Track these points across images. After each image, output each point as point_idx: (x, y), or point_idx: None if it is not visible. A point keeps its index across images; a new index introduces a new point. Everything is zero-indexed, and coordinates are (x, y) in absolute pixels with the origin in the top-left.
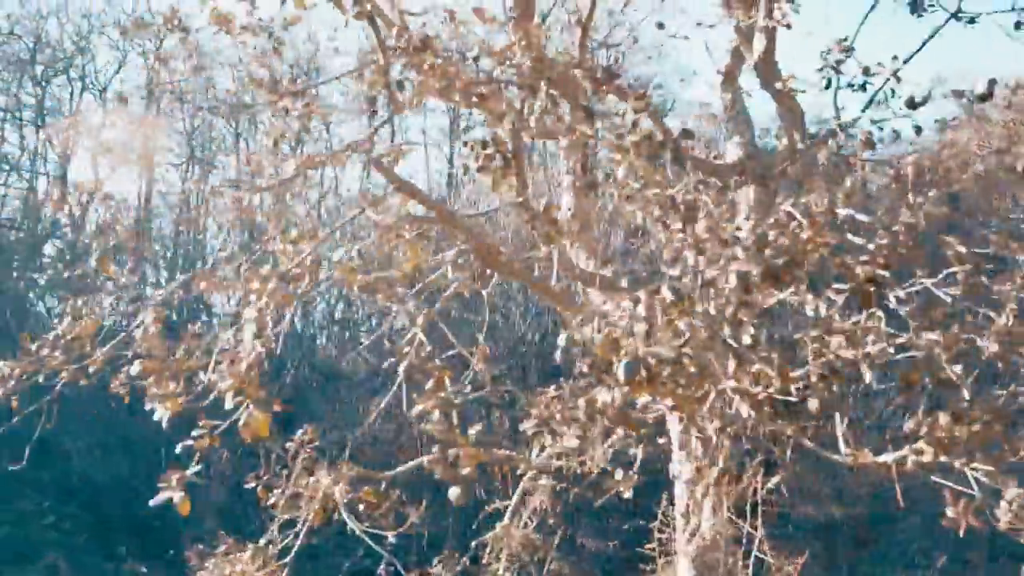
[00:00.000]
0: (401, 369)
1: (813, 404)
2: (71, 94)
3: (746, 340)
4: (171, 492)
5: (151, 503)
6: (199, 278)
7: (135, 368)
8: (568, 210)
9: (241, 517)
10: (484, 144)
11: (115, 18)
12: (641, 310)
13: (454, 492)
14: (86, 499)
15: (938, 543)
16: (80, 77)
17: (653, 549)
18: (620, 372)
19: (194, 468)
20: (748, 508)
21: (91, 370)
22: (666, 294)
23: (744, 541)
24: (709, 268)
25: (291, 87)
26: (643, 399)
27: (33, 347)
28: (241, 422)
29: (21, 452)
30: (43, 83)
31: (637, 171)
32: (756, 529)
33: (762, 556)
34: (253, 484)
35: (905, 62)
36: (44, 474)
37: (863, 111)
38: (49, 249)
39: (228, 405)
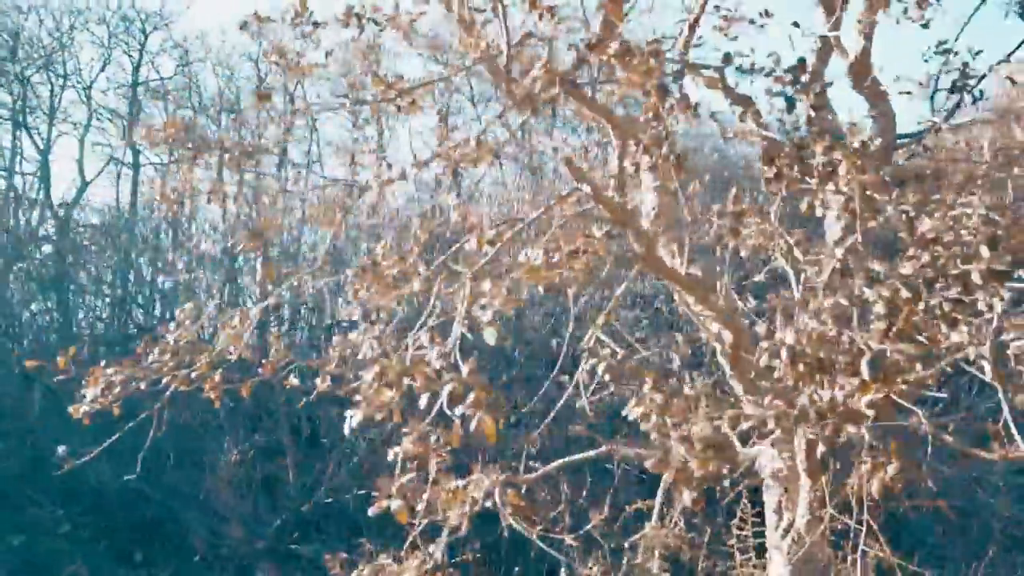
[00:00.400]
0: (601, 369)
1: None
2: (51, 91)
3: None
4: (388, 501)
5: (371, 511)
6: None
7: (368, 375)
8: (652, 209)
9: (250, 519)
10: (659, 140)
11: (100, 15)
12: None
13: (687, 496)
14: (95, 505)
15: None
16: (63, 75)
17: (732, 546)
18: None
19: (409, 475)
20: (855, 503)
21: (193, 375)
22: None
23: (851, 536)
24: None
25: (398, 82)
26: None
27: (155, 352)
28: (472, 426)
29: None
30: (24, 80)
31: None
32: (862, 524)
33: (869, 551)
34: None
35: (1001, 62)
36: (55, 481)
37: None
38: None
39: (458, 411)
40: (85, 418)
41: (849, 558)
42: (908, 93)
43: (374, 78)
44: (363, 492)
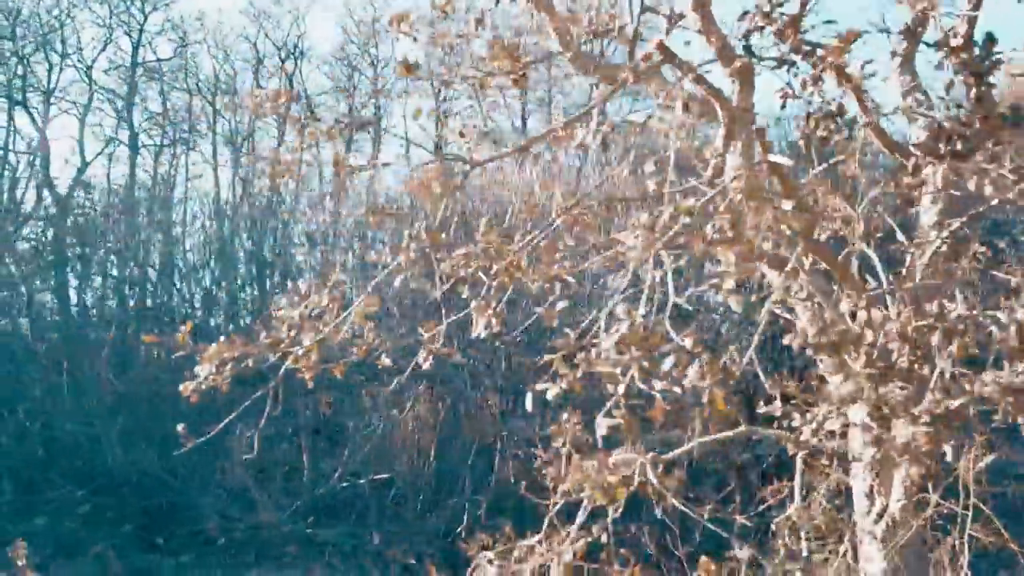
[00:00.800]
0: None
1: None
2: (49, 70)
3: None
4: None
5: (560, 490)
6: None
7: (607, 343)
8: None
9: (258, 503)
10: (832, 114)
11: None
12: None
13: (915, 471)
14: (110, 488)
15: None
16: (61, 54)
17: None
18: None
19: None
20: (961, 487)
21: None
22: None
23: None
24: None
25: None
26: None
27: (283, 327)
28: (705, 399)
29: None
30: (22, 59)
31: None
32: (969, 509)
33: (975, 535)
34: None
35: None
36: (76, 463)
37: None
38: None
39: (687, 382)
40: (193, 396)
41: (956, 543)
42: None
43: (500, 50)
44: (380, 477)
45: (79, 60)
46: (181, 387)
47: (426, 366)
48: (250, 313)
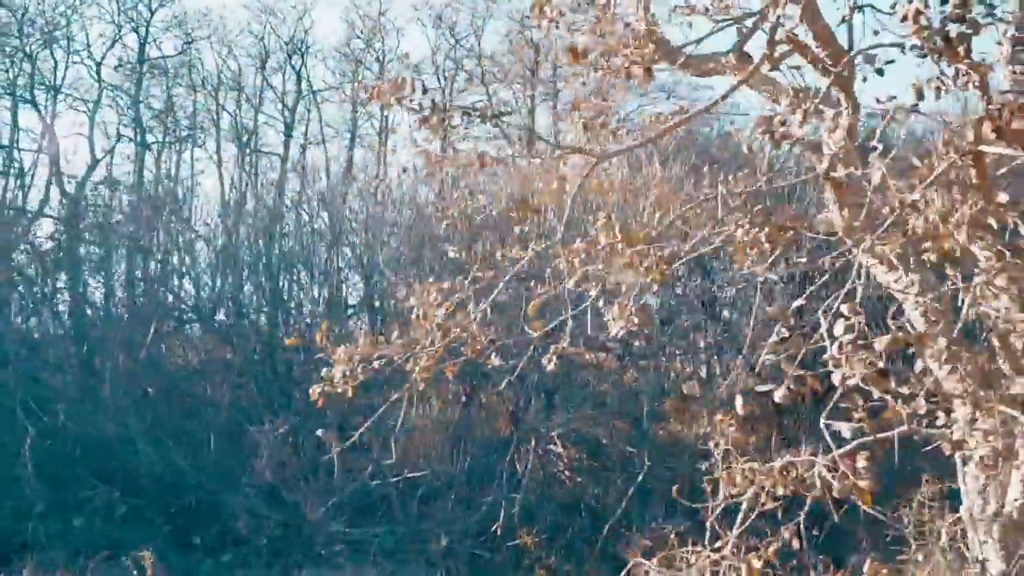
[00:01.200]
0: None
1: None
2: (54, 67)
3: None
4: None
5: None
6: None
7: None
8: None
9: (286, 503)
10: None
11: None
12: None
13: None
14: (145, 488)
15: None
16: (68, 50)
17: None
18: None
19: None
20: None
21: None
22: None
23: None
24: None
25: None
26: None
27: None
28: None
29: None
30: (29, 55)
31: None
32: None
33: None
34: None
35: None
36: (110, 463)
37: None
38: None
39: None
40: (320, 399)
41: None
42: None
43: (643, 38)
44: (411, 476)
45: (88, 56)
46: (311, 389)
47: (550, 367)
48: (259, 311)
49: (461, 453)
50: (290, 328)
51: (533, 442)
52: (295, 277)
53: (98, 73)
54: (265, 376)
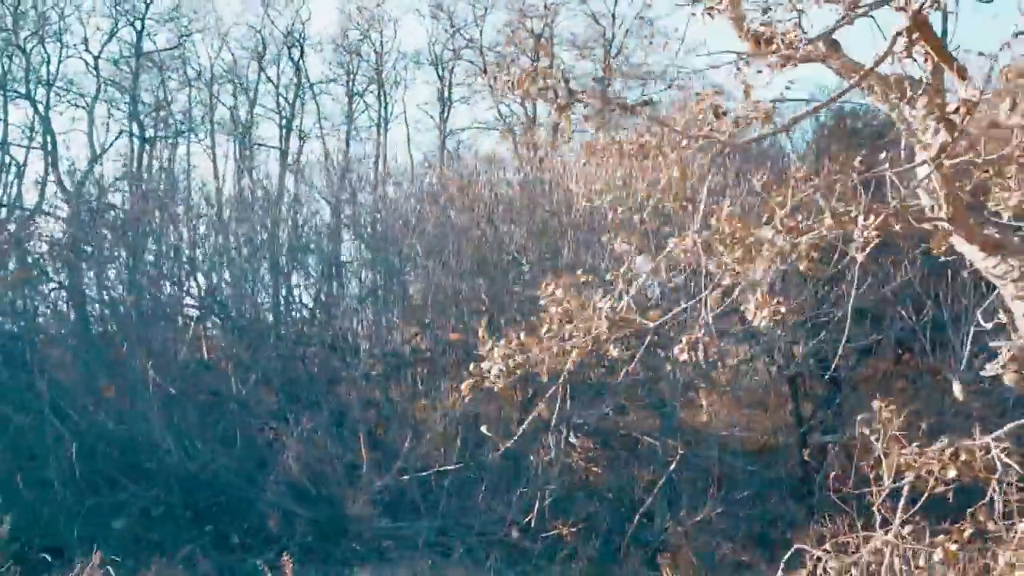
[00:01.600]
0: None
1: None
2: (47, 60)
3: None
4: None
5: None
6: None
7: None
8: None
9: (318, 500)
10: None
11: None
12: None
13: None
14: (178, 487)
15: None
16: (63, 44)
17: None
18: None
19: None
20: None
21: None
22: None
23: None
24: None
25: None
26: None
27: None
28: None
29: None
30: (23, 50)
31: None
32: None
33: None
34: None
35: None
36: (145, 463)
37: None
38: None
39: None
40: (468, 394)
41: None
42: None
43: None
44: (443, 468)
45: (86, 50)
46: (463, 385)
47: (683, 357)
48: (274, 308)
49: (491, 444)
50: (292, 323)
51: (564, 431)
52: (302, 270)
53: (96, 67)
54: (288, 374)
